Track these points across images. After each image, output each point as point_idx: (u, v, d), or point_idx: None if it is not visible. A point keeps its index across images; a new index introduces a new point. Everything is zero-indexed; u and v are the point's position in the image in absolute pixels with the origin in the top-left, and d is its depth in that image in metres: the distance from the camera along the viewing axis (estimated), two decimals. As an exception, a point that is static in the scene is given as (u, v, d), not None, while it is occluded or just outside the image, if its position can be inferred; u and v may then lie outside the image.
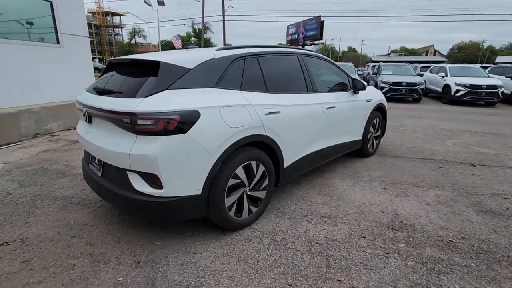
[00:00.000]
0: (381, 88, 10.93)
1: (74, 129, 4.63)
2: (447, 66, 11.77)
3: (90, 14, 55.64)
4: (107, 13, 56.43)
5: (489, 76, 10.91)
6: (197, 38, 50.00)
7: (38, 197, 2.91)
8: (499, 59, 26.17)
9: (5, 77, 4.96)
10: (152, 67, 1.94)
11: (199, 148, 1.87)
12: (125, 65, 2.35)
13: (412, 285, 1.75)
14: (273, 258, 1.99)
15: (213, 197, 2.02)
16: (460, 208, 2.70)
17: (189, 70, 1.98)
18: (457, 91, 10.21)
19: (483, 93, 9.99)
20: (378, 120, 4.16)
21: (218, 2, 25.48)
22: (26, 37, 5.51)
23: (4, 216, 2.53)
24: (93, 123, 2.15)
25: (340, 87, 3.48)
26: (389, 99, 10.91)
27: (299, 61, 2.87)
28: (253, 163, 2.24)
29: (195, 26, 51.39)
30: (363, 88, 3.54)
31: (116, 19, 60.35)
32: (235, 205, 2.20)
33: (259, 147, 2.31)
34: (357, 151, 4.02)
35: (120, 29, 62.06)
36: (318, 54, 3.37)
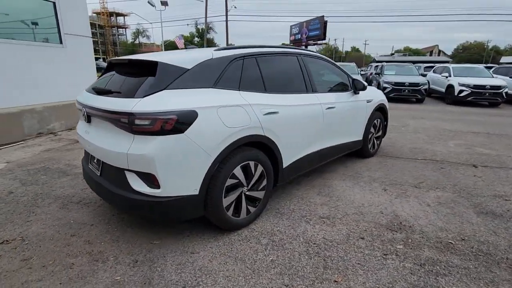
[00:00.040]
0: (384, 89, 10.89)
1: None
2: (451, 66, 11.69)
3: (95, 14, 56.02)
4: (111, 14, 56.75)
5: (493, 77, 10.81)
6: (200, 38, 50.13)
7: (39, 196, 2.93)
8: (503, 59, 25.95)
9: (9, 77, 5.01)
10: (150, 67, 1.95)
11: (196, 148, 1.87)
12: (124, 65, 2.36)
13: (410, 286, 1.74)
14: (271, 258, 1.99)
15: (211, 197, 2.02)
16: (461, 210, 2.68)
17: (187, 70, 1.99)
18: (461, 91, 10.14)
19: (487, 94, 9.91)
20: (379, 120, 4.14)
21: (221, 2, 25.57)
22: (29, 37, 5.56)
23: (5, 215, 2.56)
24: (92, 123, 2.17)
25: (340, 87, 3.47)
26: (391, 100, 10.90)
27: (298, 61, 2.87)
28: (252, 163, 2.25)
29: (198, 26, 51.56)
30: (364, 88, 3.53)
31: (120, 19, 60.68)
32: (233, 205, 2.21)
33: (257, 147, 2.31)
34: (357, 152, 4.01)
35: (124, 29, 62.38)
36: (318, 54, 3.36)
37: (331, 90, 3.35)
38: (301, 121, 2.68)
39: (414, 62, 16.19)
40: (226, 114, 2.02)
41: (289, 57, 2.82)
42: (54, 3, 5.61)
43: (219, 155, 1.99)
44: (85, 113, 2.15)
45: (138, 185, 1.86)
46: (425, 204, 2.78)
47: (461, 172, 3.66)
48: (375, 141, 4.20)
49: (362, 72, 17.56)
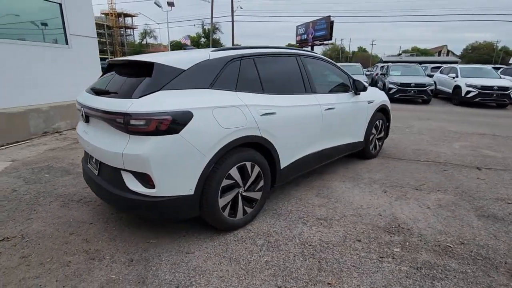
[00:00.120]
0: (389, 89, 10.78)
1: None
2: (458, 66, 11.50)
3: (103, 15, 56.74)
4: (119, 14, 57.43)
5: (501, 77, 10.61)
6: (207, 38, 50.34)
7: (41, 194, 2.99)
8: (513, 59, 25.43)
9: (16, 77, 5.11)
10: (147, 68, 1.97)
11: (191, 149, 1.88)
12: (123, 66, 2.39)
13: (404, 290, 1.72)
14: (265, 259, 1.99)
15: (206, 198, 2.03)
16: (461, 213, 2.64)
17: (183, 71, 2.00)
18: (468, 92, 9.98)
19: (495, 95, 9.74)
20: (381, 121, 4.10)
21: (228, 2, 25.63)
22: (35, 38, 5.67)
23: (8, 212, 2.61)
24: (91, 123, 2.20)
25: (341, 88, 3.44)
26: (397, 100, 10.81)
27: (297, 62, 2.86)
28: (248, 164, 2.25)
29: (205, 27, 51.81)
30: (364, 89, 3.50)
31: (128, 20, 61.36)
32: (229, 205, 2.21)
33: (254, 148, 2.31)
34: (359, 153, 3.98)
35: (131, 30, 63.06)
36: (318, 55, 3.35)
37: (331, 91, 3.33)
38: (299, 122, 2.67)
39: (420, 63, 15.99)
40: (221, 115, 2.02)
41: (287, 57, 2.82)
42: (60, 4, 5.71)
43: (215, 156, 2.00)
44: (83, 113, 2.18)
45: (134, 185, 1.88)
46: (425, 207, 2.75)
47: (464, 174, 3.60)
48: (377, 142, 4.16)
49: (368, 73, 17.41)
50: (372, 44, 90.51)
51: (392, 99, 10.43)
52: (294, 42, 29.44)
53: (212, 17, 26.20)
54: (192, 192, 1.95)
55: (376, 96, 3.93)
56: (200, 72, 2.07)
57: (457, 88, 10.53)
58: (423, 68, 13.18)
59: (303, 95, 2.81)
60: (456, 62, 22.22)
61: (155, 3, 23.75)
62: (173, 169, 1.86)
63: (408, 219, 2.52)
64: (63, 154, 4.32)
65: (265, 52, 2.58)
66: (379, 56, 57.53)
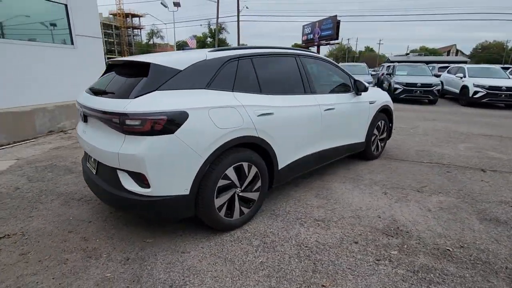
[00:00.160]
0: (395, 89, 10.66)
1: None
2: (466, 66, 11.30)
3: (111, 15, 57.42)
4: (127, 15, 58.05)
5: (509, 78, 10.40)
6: (213, 38, 50.46)
7: (43, 192, 3.03)
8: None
9: (22, 77, 5.20)
10: (144, 69, 1.98)
11: (186, 149, 1.89)
12: (122, 66, 2.41)
13: (399, 293, 1.69)
14: (260, 260, 1.98)
15: (202, 198, 2.03)
16: (463, 216, 2.59)
17: (180, 71, 2.01)
18: (476, 92, 9.80)
19: (503, 95, 9.54)
20: (383, 122, 4.06)
21: (234, 2, 25.66)
22: (41, 39, 5.75)
23: (10, 210, 2.66)
24: (89, 123, 2.22)
25: (341, 88, 3.42)
26: (403, 101, 10.69)
27: (296, 62, 2.85)
28: (245, 164, 2.24)
29: (211, 27, 51.93)
30: (365, 89, 3.46)
31: (136, 20, 61.99)
32: (225, 205, 2.21)
33: (251, 148, 2.30)
34: (360, 154, 3.94)
35: (139, 30, 63.68)
36: (318, 55, 3.33)
37: (331, 91, 3.31)
38: (298, 123, 2.66)
39: (428, 62, 15.77)
40: (217, 115, 2.02)
41: (286, 58, 2.80)
42: (66, 5, 5.79)
43: (210, 156, 2.00)
44: (82, 113, 2.21)
45: (129, 184, 1.90)
46: (426, 209, 2.71)
47: (468, 176, 3.54)
48: (379, 143, 4.12)
49: (374, 73, 17.23)
50: (379, 44, 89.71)
51: (398, 99, 10.38)
52: (300, 42, 29.33)
53: (217, 17, 26.27)
54: (187, 192, 1.96)
55: (378, 97, 3.88)
56: (197, 73, 2.08)
57: (464, 88, 10.35)
58: (430, 68, 12.98)
59: (302, 96, 2.79)
60: (465, 62, 21.81)
61: (161, 3, 23.93)
62: (168, 169, 1.87)
63: (407, 222, 2.48)
64: (67, 153, 4.38)
65: (263, 52, 2.57)
66: (386, 55, 56.95)
